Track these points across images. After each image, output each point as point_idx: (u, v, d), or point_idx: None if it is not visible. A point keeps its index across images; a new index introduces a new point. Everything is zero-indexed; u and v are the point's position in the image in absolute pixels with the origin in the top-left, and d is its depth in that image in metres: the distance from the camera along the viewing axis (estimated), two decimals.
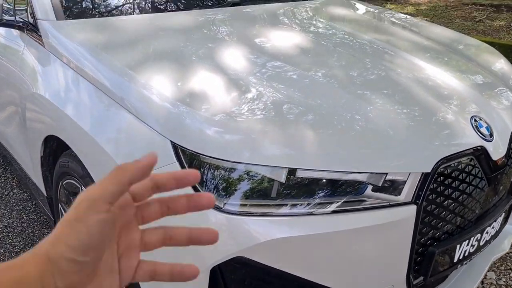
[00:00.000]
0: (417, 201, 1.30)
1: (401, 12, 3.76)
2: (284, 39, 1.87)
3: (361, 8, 2.61)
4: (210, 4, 2.31)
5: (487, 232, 1.52)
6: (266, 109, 1.34)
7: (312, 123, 1.32)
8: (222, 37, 1.84)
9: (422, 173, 1.31)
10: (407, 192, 1.29)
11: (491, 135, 1.49)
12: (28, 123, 1.89)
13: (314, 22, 2.20)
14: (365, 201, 1.26)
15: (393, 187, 1.29)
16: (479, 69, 1.88)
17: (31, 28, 1.91)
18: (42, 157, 1.87)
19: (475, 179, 1.44)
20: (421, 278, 1.40)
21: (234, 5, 2.26)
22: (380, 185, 1.27)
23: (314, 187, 1.24)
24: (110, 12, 2.03)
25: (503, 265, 2.10)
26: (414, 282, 1.38)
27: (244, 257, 1.19)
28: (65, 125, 1.59)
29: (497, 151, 1.48)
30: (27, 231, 2.41)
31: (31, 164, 2.00)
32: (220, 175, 1.23)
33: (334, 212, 1.24)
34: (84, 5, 2.05)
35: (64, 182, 1.74)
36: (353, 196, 1.26)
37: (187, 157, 1.25)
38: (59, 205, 1.86)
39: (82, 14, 1.97)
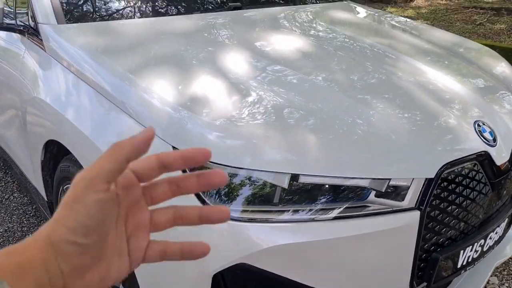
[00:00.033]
0: (421, 207, 1.29)
1: (401, 16, 3.76)
2: (284, 43, 1.87)
3: (362, 11, 2.60)
4: (211, 8, 2.31)
5: (490, 238, 1.51)
6: (267, 113, 1.33)
7: (313, 128, 1.31)
8: (223, 41, 1.83)
9: (426, 178, 1.30)
10: (410, 198, 1.28)
11: (494, 140, 1.48)
12: (28, 127, 1.88)
13: (315, 26, 2.19)
14: (368, 206, 1.25)
15: (396, 192, 1.28)
16: (481, 72, 1.88)
17: (32, 31, 1.91)
18: (42, 161, 1.86)
19: (478, 185, 1.43)
20: (425, 284, 1.39)
21: (235, 9, 2.25)
22: (383, 190, 1.26)
23: (316, 193, 1.23)
24: (111, 16, 2.02)
25: (506, 270, 2.09)
26: None
27: (246, 263, 1.18)
28: (66, 130, 1.59)
29: (500, 156, 1.47)
30: (27, 236, 2.40)
31: (32, 168, 2.00)
32: None
33: (336, 218, 1.22)
34: (85, 9, 2.05)
35: (65, 187, 1.74)
36: (356, 202, 1.25)
37: None
38: None
39: (83, 18, 1.97)
